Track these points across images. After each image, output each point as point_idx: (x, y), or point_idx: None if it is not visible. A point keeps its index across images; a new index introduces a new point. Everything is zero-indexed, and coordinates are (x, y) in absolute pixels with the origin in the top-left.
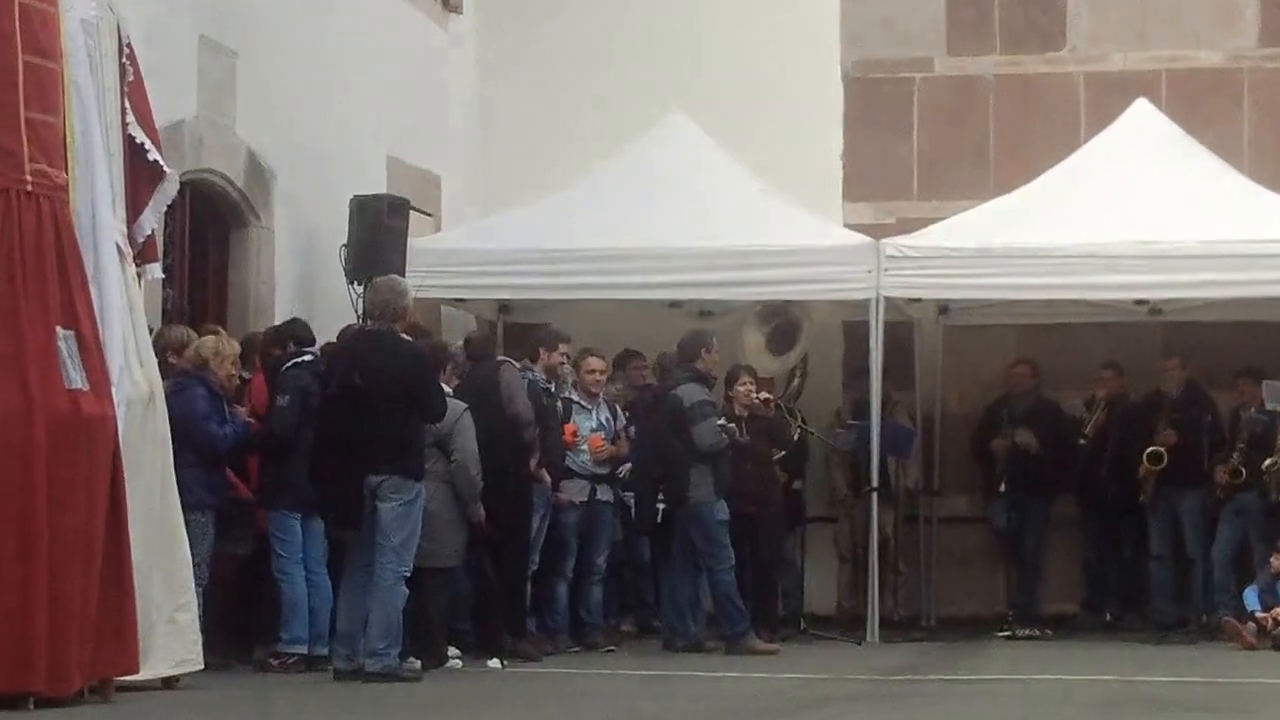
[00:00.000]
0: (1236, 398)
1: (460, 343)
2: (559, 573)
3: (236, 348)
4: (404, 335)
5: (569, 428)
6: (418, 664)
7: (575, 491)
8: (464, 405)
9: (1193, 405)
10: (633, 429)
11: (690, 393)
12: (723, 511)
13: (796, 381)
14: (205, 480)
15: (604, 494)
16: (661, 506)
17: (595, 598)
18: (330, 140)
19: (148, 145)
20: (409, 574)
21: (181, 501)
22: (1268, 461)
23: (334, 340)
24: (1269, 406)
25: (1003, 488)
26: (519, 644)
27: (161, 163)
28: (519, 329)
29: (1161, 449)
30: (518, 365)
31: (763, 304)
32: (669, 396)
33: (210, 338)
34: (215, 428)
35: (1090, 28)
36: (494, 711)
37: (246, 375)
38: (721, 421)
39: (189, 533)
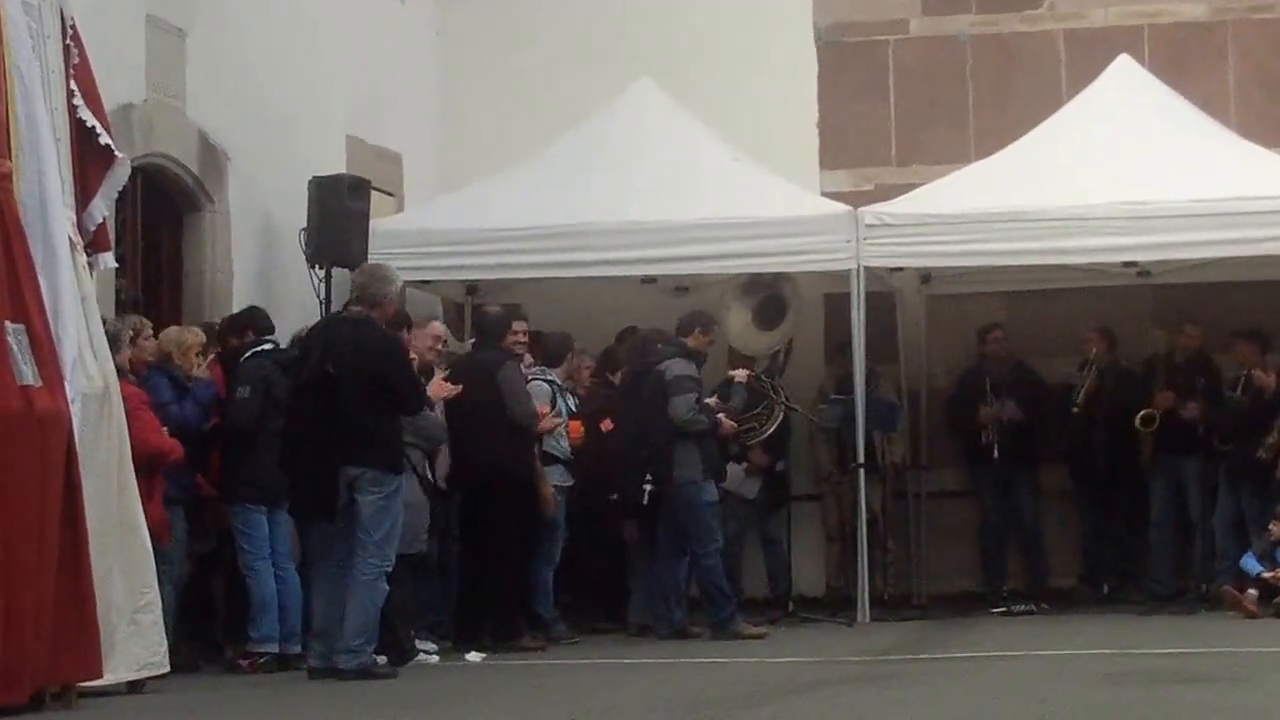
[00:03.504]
0: (1233, 360)
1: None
2: (549, 560)
3: (201, 336)
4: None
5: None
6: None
7: (559, 477)
8: None
9: (1191, 369)
10: None
11: (674, 367)
12: (711, 493)
13: (781, 357)
14: (172, 474)
15: (564, 479)
16: (649, 488)
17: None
18: (286, 120)
19: (99, 129)
20: (390, 570)
21: None
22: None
23: (300, 328)
24: None
25: (995, 454)
26: (519, 640)
27: (113, 147)
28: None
29: (1154, 411)
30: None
31: (746, 277)
32: (653, 371)
33: (173, 329)
34: (176, 409)
35: None
36: (474, 706)
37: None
38: (712, 400)
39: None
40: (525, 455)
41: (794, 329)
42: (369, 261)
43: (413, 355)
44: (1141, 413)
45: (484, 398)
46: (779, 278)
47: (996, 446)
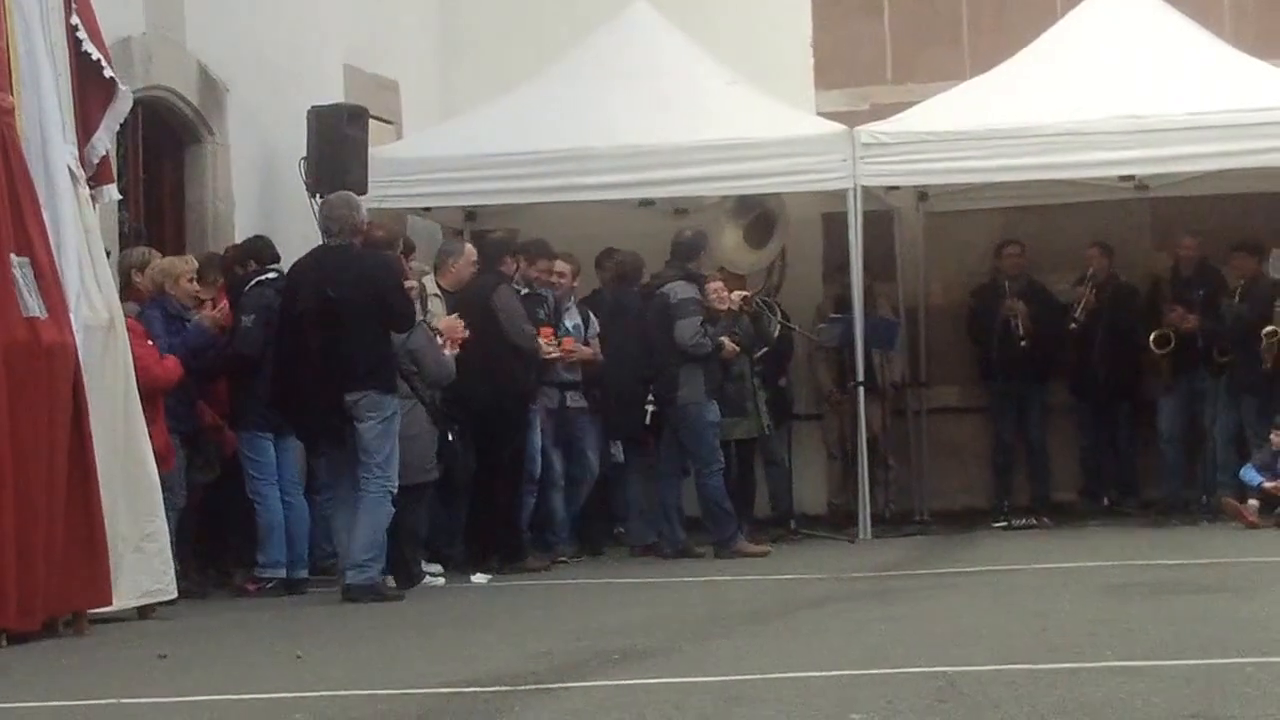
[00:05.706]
0: (1231, 272)
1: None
2: (553, 482)
3: (192, 263)
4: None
5: (547, 331)
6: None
7: (546, 399)
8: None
9: (1195, 281)
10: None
11: (677, 290)
12: (713, 413)
13: (776, 276)
14: (171, 406)
15: (575, 400)
16: (651, 408)
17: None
18: (284, 50)
19: (103, 62)
20: (395, 490)
21: None
22: (1266, 329)
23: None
24: (1274, 275)
25: (1023, 343)
26: (524, 561)
27: (117, 79)
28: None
29: (1169, 332)
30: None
31: (737, 198)
32: (657, 294)
33: (162, 259)
34: (166, 346)
35: None
36: (483, 626)
37: (204, 296)
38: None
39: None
40: (524, 377)
41: (782, 246)
42: (339, 193)
43: (411, 281)
44: (1154, 334)
45: (480, 322)
46: (767, 195)
47: (1022, 335)
